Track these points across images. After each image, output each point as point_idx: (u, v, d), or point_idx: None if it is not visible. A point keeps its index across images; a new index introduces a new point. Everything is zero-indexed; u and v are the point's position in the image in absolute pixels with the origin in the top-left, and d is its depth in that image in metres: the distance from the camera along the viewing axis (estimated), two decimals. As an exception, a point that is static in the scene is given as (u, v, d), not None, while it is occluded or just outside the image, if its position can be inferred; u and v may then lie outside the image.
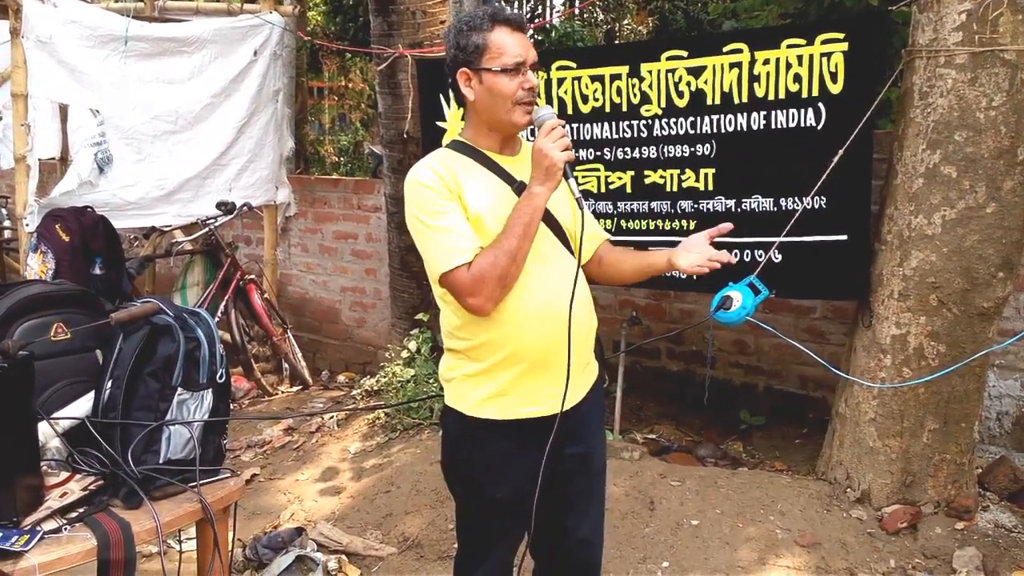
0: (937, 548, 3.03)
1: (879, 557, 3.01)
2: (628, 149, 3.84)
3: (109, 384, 2.30)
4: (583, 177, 3.93)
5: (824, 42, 3.25)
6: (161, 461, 2.27)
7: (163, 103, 5.31)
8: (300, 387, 5.72)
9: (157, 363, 2.28)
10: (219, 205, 5.50)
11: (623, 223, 3.91)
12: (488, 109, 2.06)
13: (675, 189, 3.74)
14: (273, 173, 6.00)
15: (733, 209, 3.61)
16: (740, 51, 3.45)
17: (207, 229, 5.51)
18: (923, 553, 3.02)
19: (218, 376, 2.38)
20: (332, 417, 4.83)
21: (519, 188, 2.04)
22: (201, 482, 2.29)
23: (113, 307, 2.55)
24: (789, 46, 3.33)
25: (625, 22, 10.45)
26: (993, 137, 2.93)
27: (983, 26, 2.89)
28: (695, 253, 2.12)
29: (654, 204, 3.82)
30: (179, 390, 2.29)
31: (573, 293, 2.01)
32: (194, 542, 2.66)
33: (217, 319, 5.23)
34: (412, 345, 4.75)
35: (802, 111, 3.36)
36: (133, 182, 5.20)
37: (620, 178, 3.88)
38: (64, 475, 2.24)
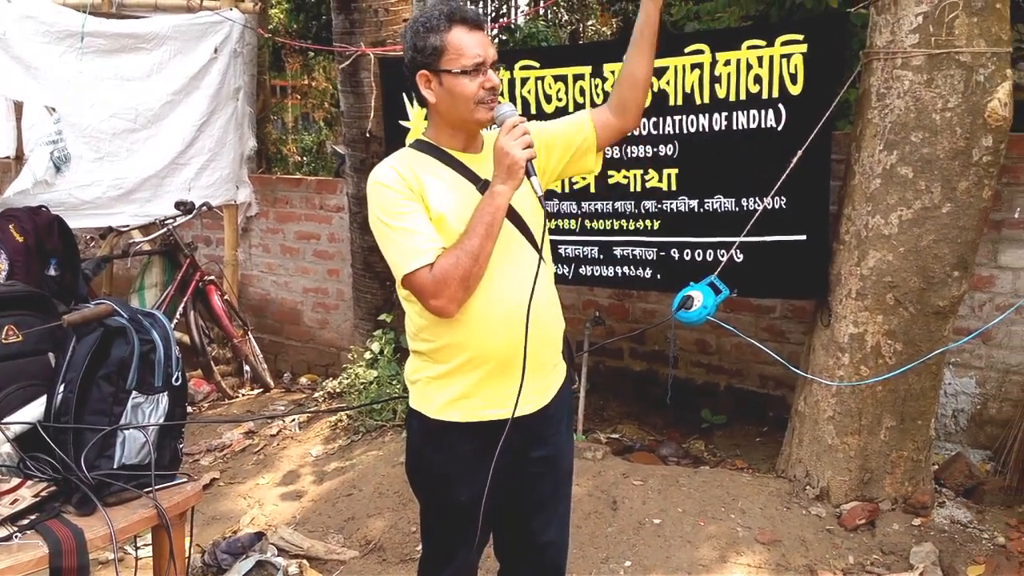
0: (895, 544, 3.07)
1: (838, 553, 3.05)
2: (591, 149, 3.83)
3: (62, 388, 2.25)
4: (546, 177, 3.92)
5: (784, 43, 3.28)
6: (115, 466, 2.23)
7: (121, 101, 5.21)
8: (261, 390, 5.65)
9: (111, 366, 2.24)
10: (178, 205, 5.41)
11: (587, 223, 3.91)
12: (450, 110, 2.04)
13: (639, 189, 3.75)
14: (234, 172, 5.91)
15: (696, 209, 3.63)
16: (701, 52, 3.47)
17: (165, 229, 5.43)
18: (881, 549, 3.06)
19: (174, 379, 2.34)
20: (293, 420, 4.78)
21: (483, 187, 2.01)
22: (156, 487, 2.25)
23: (67, 309, 2.49)
24: (749, 47, 3.36)
25: (589, 23, 10.49)
26: (949, 138, 2.98)
27: (939, 28, 2.93)
28: None
29: (618, 204, 3.82)
30: (133, 393, 2.26)
31: (532, 292, 1.97)
32: (151, 548, 2.61)
33: (176, 321, 5.16)
34: (375, 346, 4.72)
35: (762, 112, 3.38)
36: (90, 181, 5.11)
37: (584, 178, 3.88)
38: (15, 481, 2.18)
